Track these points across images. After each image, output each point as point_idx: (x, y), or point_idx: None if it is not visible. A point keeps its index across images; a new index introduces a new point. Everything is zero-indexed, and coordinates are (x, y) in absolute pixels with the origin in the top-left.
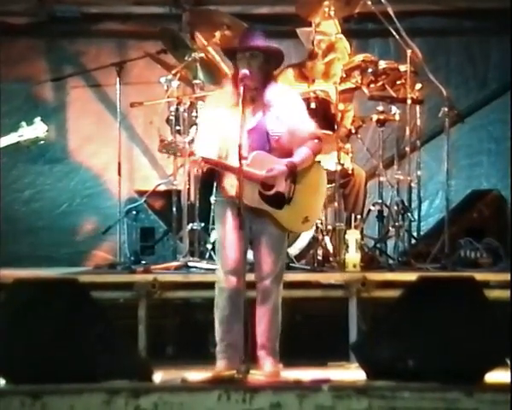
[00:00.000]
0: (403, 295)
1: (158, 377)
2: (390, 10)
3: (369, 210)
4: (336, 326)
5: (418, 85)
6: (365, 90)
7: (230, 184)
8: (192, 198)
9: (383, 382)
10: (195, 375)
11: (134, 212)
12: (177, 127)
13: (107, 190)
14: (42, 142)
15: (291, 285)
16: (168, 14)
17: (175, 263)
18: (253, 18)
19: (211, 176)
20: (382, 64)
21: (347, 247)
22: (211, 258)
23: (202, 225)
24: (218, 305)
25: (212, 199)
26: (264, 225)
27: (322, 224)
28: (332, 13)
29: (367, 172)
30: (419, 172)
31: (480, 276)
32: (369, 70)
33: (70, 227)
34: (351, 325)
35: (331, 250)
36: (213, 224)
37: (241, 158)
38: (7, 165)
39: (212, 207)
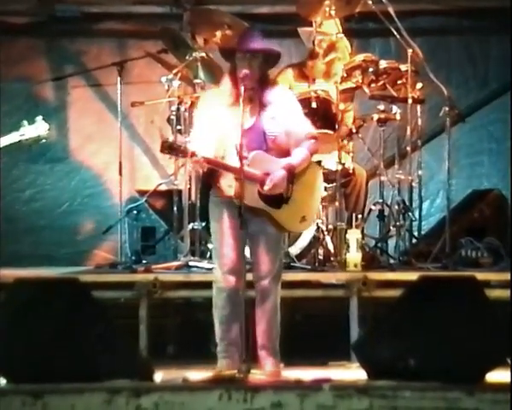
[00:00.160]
0: (404, 294)
1: (159, 376)
2: (391, 10)
3: (370, 210)
4: (337, 326)
5: (419, 85)
6: (366, 89)
7: (228, 184)
8: (193, 198)
9: (384, 381)
10: (196, 374)
11: (135, 211)
12: (178, 127)
13: (108, 190)
14: (43, 141)
15: (292, 285)
16: (169, 14)
17: (176, 263)
18: (253, 17)
19: (211, 175)
20: (383, 64)
21: (348, 246)
22: (212, 258)
23: (203, 224)
24: (217, 305)
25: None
26: (262, 225)
27: (323, 223)
28: (333, 12)
29: (368, 171)
30: (420, 172)
31: (480, 275)
32: (370, 69)
33: (71, 227)
34: (352, 324)
35: (332, 250)
36: None
37: (242, 158)
38: (7, 164)
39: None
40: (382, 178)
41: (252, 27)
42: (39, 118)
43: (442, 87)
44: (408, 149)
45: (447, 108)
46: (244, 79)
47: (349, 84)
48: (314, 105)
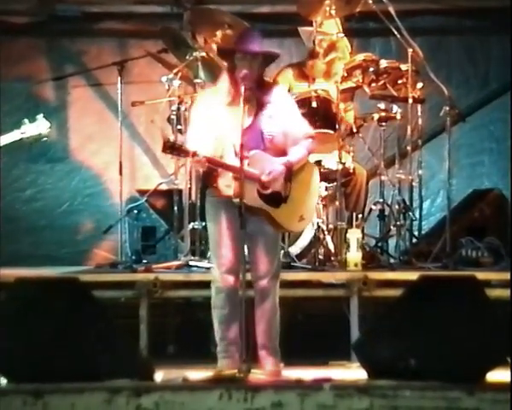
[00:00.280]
0: (404, 294)
1: (159, 376)
2: (391, 9)
3: (371, 209)
4: (337, 325)
5: (419, 84)
6: (366, 89)
7: (225, 183)
8: (193, 197)
9: (384, 381)
10: (197, 374)
11: (135, 211)
12: (179, 126)
13: (109, 190)
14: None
15: (292, 284)
16: (169, 13)
17: (176, 262)
18: (253, 17)
19: (208, 175)
20: (383, 63)
21: (348, 246)
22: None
23: (203, 224)
24: (216, 305)
25: None
26: (261, 225)
27: (323, 223)
28: (333, 12)
29: (368, 171)
30: (420, 172)
31: (481, 275)
32: (371, 69)
33: (71, 226)
34: (352, 324)
35: (332, 249)
36: None
37: (242, 158)
38: (8, 164)
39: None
40: (383, 177)
41: (251, 27)
42: (40, 116)
43: (442, 87)
44: (408, 148)
45: (447, 108)
46: (244, 78)
47: (349, 84)
48: (314, 105)
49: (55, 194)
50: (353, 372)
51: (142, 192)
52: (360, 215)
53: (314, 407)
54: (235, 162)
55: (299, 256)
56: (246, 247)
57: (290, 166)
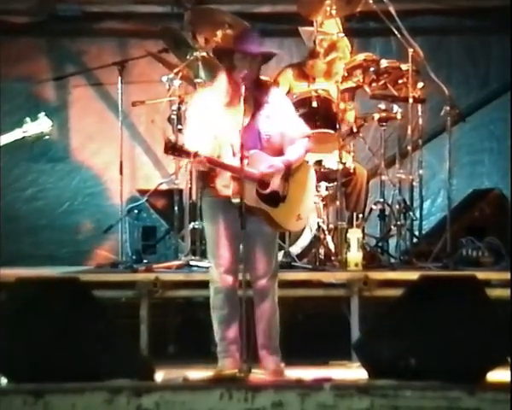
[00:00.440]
0: (404, 294)
1: (159, 376)
2: (391, 9)
3: (371, 209)
4: (338, 325)
5: (420, 84)
6: (367, 89)
7: (223, 184)
8: (194, 197)
9: (385, 381)
10: (197, 374)
11: (136, 211)
12: (179, 126)
13: (109, 189)
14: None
15: (293, 284)
16: (170, 13)
17: (177, 262)
18: (254, 17)
19: (206, 175)
20: (384, 63)
21: (349, 246)
22: None
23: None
24: (216, 305)
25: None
26: (259, 225)
27: (323, 222)
28: (333, 12)
29: (369, 170)
30: (421, 171)
31: (481, 275)
32: (371, 69)
33: (72, 226)
34: (352, 324)
35: (333, 249)
36: None
37: (242, 158)
38: (9, 163)
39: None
40: (383, 177)
41: (250, 27)
42: (42, 114)
43: (443, 86)
44: (409, 148)
45: (448, 108)
46: (245, 79)
47: (350, 84)
48: (315, 104)
49: (56, 193)
50: (354, 372)
51: (142, 192)
52: (360, 215)
53: (314, 406)
54: (234, 162)
55: (300, 256)
56: (243, 247)
57: (289, 165)
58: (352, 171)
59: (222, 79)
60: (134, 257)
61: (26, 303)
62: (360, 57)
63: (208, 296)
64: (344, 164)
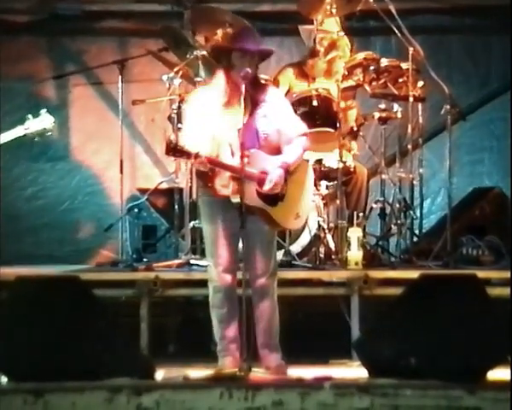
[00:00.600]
0: (405, 292)
1: (160, 374)
2: (392, 8)
3: (371, 208)
4: (338, 324)
5: (420, 83)
6: (367, 87)
7: (221, 184)
8: (194, 196)
9: (385, 380)
10: (197, 373)
11: (136, 210)
12: (179, 125)
13: (109, 188)
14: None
15: (293, 283)
16: (170, 12)
17: (177, 261)
18: (254, 15)
19: (204, 175)
20: (384, 62)
21: (349, 244)
22: None
23: None
24: (215, 304)
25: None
26: (258, 224)
27: (324, 221)
28: (334, 10)
29: (369, 169)
30: (421, 170)
31: (481, 273)
32: (371, 68)
33: (72, 225)
34: (353, 323)
35: (333, 248)
36: None
37: (243, 157)
38: (9, 163)
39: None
40: (383, 176)
41: (247, 26)
42: (44, 111)
43: (443, 85)
44: (409, 147)
45: (448, 107)
46: (245, 77)
47: (350, 83)
48: (315, 103)
49: (56, 193)
50: (354, 371)
51: (142, 191)
52: (361, 214)
53: (315, 405)
54: (233, 162)
55: (300, 255)
56: (241, 246)
57: (288, 167)
58: (352, 170)
59: (220, 78)
60: (134, 256)
61: (27, 302)
62: (360, 56)
63: (208, 295)
64: (344, 163)
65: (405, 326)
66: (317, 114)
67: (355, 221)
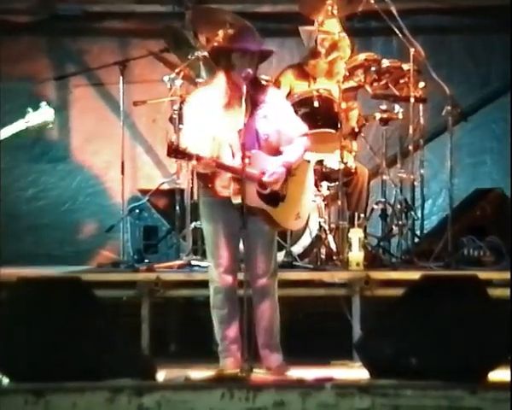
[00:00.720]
0: (406, 293)
1: (161, 375)
2: (393, 8)
3: (373, 209)
4: (339, 325)
5: (421, 84)
6: (368, 88)
7: (222, 184)
8: (195, 197)
9: (386, 380)
10: (198, 373)
11: (137, 210)
12: (180, 126)
13: (110, 189)
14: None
15: (294, 284)
16: (171, 13)
17: (178, 262)
18: (255, 16)
19: (203, 176)
20: (385, 62)
21: (350, 245)
22: None
23: None
24: (215, 305)
25: None
26: (258, 224)
27: (325, 222)
28: (335, 11)
29: (370, 170)
30: (422, 171)
31: (482, 274)
32: (373, 68)
33: (73, 226)
34: (354, 323)
35: (334, 249)
36: None
37: (244, 157)
38: (9, 163)
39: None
40: (384, 177)
41: (247, 26)
42: (44, 104)
43: (444, 86)
44: (410, 147)
45: (449, 107)
46: (246, 78)
47: (351, 84)
48: (316, 104)
49: (57, 193)
50: (355, 372)
51: (143, 192)
52: (362, 215)
53: (316, 406)
54: (233, 163)
55: (301, 256)
56: (242, 247)
57: (290, 166)
58: (353, 170)
59: (220, 78)
60: (135, 257)
61: (28, 303)
62: (361, 57)
63: (209, 296)
64: (345, 164)
65: (406, 327)
66: (319, 114)
67: (356, 222)
